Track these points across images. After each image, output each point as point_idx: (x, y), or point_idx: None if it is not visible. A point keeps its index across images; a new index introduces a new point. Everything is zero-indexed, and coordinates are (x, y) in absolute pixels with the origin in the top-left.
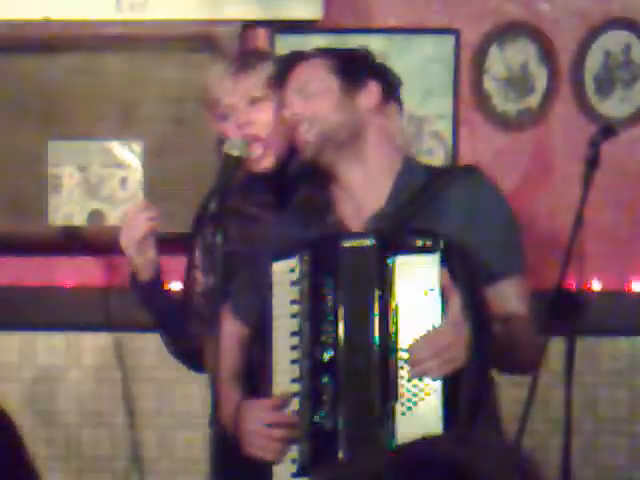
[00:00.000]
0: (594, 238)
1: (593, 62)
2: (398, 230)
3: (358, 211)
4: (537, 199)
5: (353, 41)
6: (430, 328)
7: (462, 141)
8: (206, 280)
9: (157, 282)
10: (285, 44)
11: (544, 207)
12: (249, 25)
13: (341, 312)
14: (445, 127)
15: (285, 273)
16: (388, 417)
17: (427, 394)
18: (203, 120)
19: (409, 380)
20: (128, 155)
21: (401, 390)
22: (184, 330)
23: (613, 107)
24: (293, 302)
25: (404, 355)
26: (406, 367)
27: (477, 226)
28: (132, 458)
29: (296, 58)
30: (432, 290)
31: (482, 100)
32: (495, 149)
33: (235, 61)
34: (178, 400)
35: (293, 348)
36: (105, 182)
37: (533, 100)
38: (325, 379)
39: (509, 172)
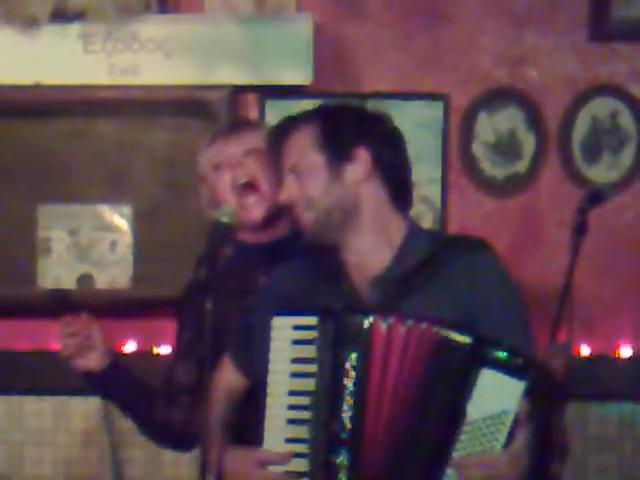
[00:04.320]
0: (582, 303)
1: (581, 128)
2: (490, 339)
3: (360, 273)
4: (525, 264)
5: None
6: (490, 449)
7: (451, 206)
8: (194, 352)
9: (110, 372)
10: (275, 109)
11: (532, 272)
12: (239, 90)
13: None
14: (434, 192)
15: (287, 329)
16: None
17: None
18: (193, 184)
19: None
20: (118, 219)
21: None
22: (155, 409)
23: (601, 173)
24: (295, 361)
25: (452, 462)
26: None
27: (488, 303)
28: None
29: (288, 127)
30: (506, 414)
31: (471, 165)
32: (483, 214)
33: (229, 124)
34: (166, 465)
35: (291, 408)
36: (95, 245)
37: (521, 165)
38: (340, 458)
39: (497, 237)
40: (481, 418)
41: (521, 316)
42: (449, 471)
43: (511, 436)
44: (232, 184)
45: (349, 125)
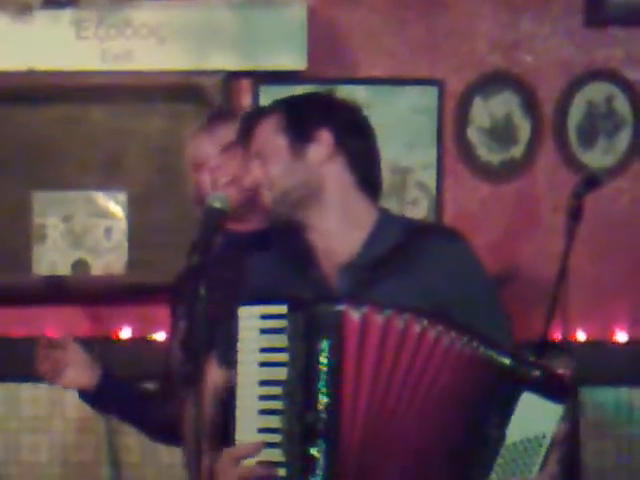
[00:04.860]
0: (578, 289)
1: (576, 113)
2: (527, 361)
3: (330, 259)
4: (521, 249)
5: (337, 92)
6: (524, 473)
7: (446, 191)
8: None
9: (102, 388)
10: (269, 94)
11: (528, 257)
12: (233, 76)
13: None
14: (429, 177)
15: (254, 319)
16: None
17: None
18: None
19: None
20: (113, 205)
21: None
22: (152, 412)
23: (596, 158)
24: (264, 350)
25: None
26: None
27: (463, 294)
28: None
29: (255, 117)
30: (544, 438)
31: (466, 150)
32: (479, 199)
33: (211, 116)
34: (162, 451)
35: (262, 398)
36: (89, 232)
37: (517, 150)
38: (317, 448)
39: (493, 222)
40: (518, 440)
41: (498, 308)
42: None
43: (547, 458)
44: (212, 186)
45: (313, 109)
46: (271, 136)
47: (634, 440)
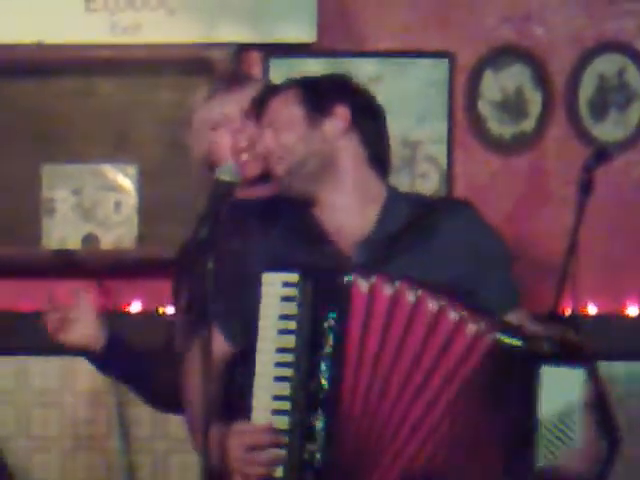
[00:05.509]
0: (589, 262)
1: (587, 86)
2: (540, 336)
3: (343, 236)
4: (532, 223)
5: (347, 64)
6: (569, 447)
7: (457, 165)
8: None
9: (109, 349)
10: (279, 67)
11: (539, 230)
12: (243, 48)
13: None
14: (440, 151)
15: (276, 286)
16: None
17: None
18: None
19: None
20: (122, 178)
21: None
22: (157, 379)
23: (607, 130)
24: (282, 317)
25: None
26: None
27: (478, 265)
28: None
29: (270, 92)
30: (576, 407)
31: (477, 124)
32: (490, 173)
33: (226, 79)
34: (173, 424)
35: (278, 365)
36: (99, 205)
37: (528, 124)
38: (318, 418)
39: (504, 196)
40: (552, 418)
41: (510, 270)
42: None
43: (585, 424)
44: (233, 148)
45: (330, 86)
46: (287, 107)
47: None
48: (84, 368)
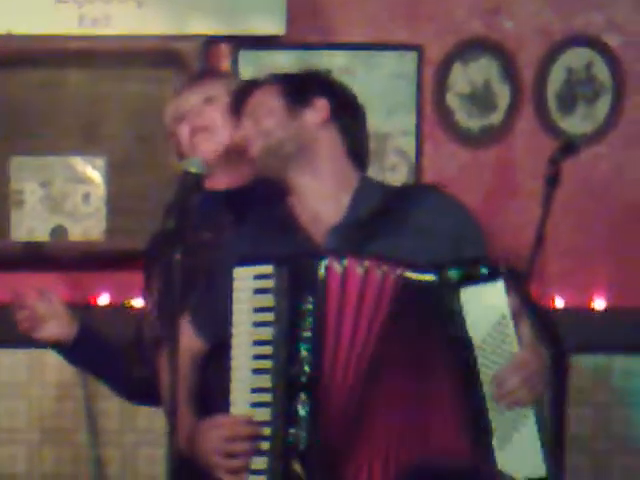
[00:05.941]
0: (556, 255)
1: (555, 79)
2: (449, 262)
3: (317, 223)
4: (500, 215)
5: (316, 57)
6: (508, 357)
7: (425, 157)
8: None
9: (79, 342)
10: (248, 60)
11: (507, 223)
12: (212, 40)
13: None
14: (408, 143)
15: (248, 279)
16: None
17: (521, 424)
18: (166, 135)
19: (501, 413)
20: (91, 170)
21: (494, 425)
22: (126, 370)
23: (575, 124)
24: (257, 310)
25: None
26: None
27: (452, 244)
28: (95, 476)
29: (251, 86)
30: (504, 318)
31: (445, 116)
32: (458, 165)
33: (196, 74)
34: (141, 417)
35: (256, 357)
36: (68, 197)
37: (496, 117)
38: (301, 402)
39: (472, 188)
40: (486, 334)
41: (485, 245)
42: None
43: (518, 334)
44: (190, 132)
45: (311, 81)
46: (267, 98)
47: (612, 406)
48: (52, 361)
